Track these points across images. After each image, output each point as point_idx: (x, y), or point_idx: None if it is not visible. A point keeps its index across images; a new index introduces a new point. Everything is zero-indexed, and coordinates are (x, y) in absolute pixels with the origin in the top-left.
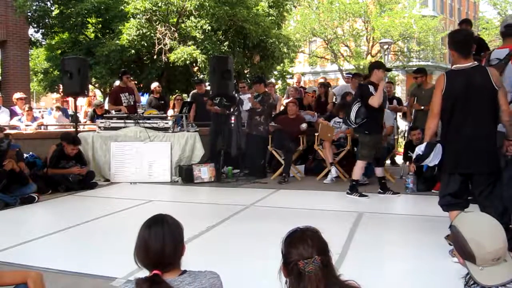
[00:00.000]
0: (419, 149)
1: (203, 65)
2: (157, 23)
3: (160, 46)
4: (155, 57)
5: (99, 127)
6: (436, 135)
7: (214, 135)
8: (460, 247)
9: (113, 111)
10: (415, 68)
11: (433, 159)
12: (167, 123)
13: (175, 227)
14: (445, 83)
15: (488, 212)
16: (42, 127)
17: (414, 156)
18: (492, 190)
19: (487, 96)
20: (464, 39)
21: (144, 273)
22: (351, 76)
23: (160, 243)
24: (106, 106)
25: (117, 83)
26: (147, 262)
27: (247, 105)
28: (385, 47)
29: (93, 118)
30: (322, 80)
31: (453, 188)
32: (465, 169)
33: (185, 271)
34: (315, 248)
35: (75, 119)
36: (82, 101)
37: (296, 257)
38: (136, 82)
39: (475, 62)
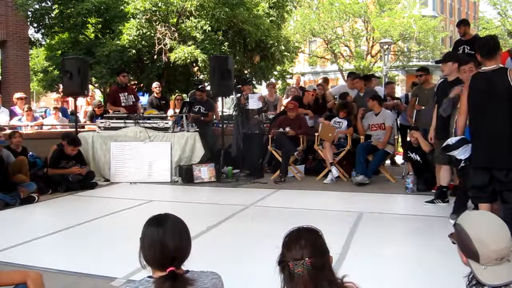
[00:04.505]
0: (451, 140)
1: (203, 65)
2: (157, 23)
3: (160, 46)
4: (155, 57)
5: (99, 127)
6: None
7: (202, 138)
8: (464, 246)
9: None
10: (416, 68)
11: (460, 153)
12: (167, 123)
13: (184, 223)
14: (469, 84)
15: (506, 208)
16: (42, 127)
17: (444, 144)
18: (509, 187)
19: (505, 98)
20: (485, 42)
21: (147, 272)
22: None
23: (178, 238)
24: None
25: None
26: (162, 261)
27: (256, 104)
28: (385, 47)
29: (93, 118)
30: (321, 81)
31: (476, 181)
32: (485, 163)
33: (187, 271)
34: (308, 249)
35: (75, 119)
36: (81, 101)
37: (288, 258)
38: (136, 82)
39: (500, 65)
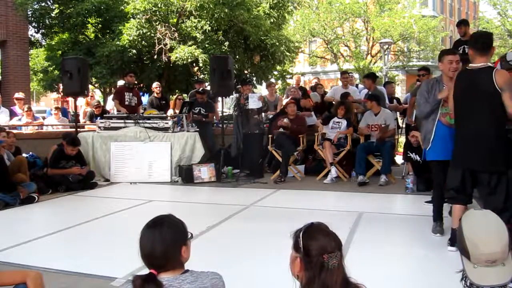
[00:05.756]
0: None
1: (203, 65)
2: (157, 23)
3: (160, 46)
4: (155, 57)
5: (99, 127)
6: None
7: (202, 138)
8: (459, 242)
9: (115, 111)
10: (416, 68)
11: None
12: (167, 123)
13: (171, 231)
14: (455, 82)
15: (488, 209)
16: (42, 126)
17: None
18: (494, 189)
19: (488, 98)
20: (480, 36)
21: (147, 271)
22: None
23: (150, 247)
24: (108, 104)
25: (121, 82)
26: (144, 262)
27: (256, 104)
28: (385, 47)
29: (92, 117)
30: (315, 81)
31: (455, 182)
32: (467, 165)
33: (187, 271)
34: (336, 243)
35: (75, 119)
36: (81, 101)
37: (320, 250)
38: (136, 82)
39: (488, 64)
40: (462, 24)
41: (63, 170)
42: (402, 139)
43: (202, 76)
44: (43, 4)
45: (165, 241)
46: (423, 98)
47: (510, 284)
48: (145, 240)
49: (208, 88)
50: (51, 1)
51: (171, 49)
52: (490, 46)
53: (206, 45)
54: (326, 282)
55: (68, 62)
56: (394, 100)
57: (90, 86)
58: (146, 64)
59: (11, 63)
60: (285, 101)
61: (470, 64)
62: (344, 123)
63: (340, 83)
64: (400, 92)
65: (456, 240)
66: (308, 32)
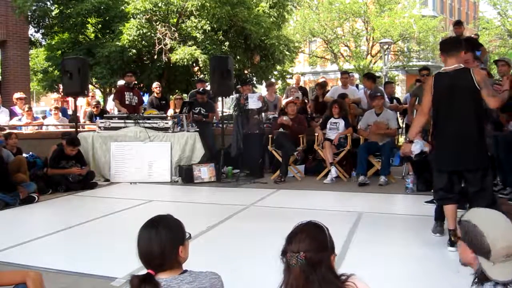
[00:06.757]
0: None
1: (204, 65)
2: (157, 23)
3: (160, 46)
4: (155, 57)
5: (99, 127)
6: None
7: (202, 138)
8: (475, 241)
9: (115, 111)
10: (416, 68)
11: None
12: (167, 123)
13: (168, 231)
14: (433, 84)
15: (478, 205)
16: (41, 126)
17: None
18: (481, 186)
19: (469, 97)
20: (447, 41)
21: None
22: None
23: (147, 247)
24: (109, 104)
25: (121, 82)
26: (141, 262)
27: (256, 104)
28: (385, 47)
29: (92, 117)
30: (322, 80)
31: (443, 183)
32: (452, 166)
33: (186, 271)
34: (305, 244)
35: (75, 119)
36: (82, 101)
37: (287, 249)
38: (136, 82)
39: (461, 65)
40: (457, 25)
41: (63, 170)
42: (402, 139)
43: (202, 76)
44: (41, 4)
45: (161, 241)
46: None
47: None
48: (142, 241)
49: (209, 88)
50: (51, 1)
51: (171, 49)
52: (454, 47)
53: (206, 45)
54: (288, 281)
55: (68, 62)
56: (394, 100)
57: (90, 86)
58: (146, 64)
59: (11, 63)
60: (284, 101)
61: (443, 68)
62: (341, 123)
63: (340, 83)
64: (400, 92)
65: (468, 242)
66: (308, 32)
